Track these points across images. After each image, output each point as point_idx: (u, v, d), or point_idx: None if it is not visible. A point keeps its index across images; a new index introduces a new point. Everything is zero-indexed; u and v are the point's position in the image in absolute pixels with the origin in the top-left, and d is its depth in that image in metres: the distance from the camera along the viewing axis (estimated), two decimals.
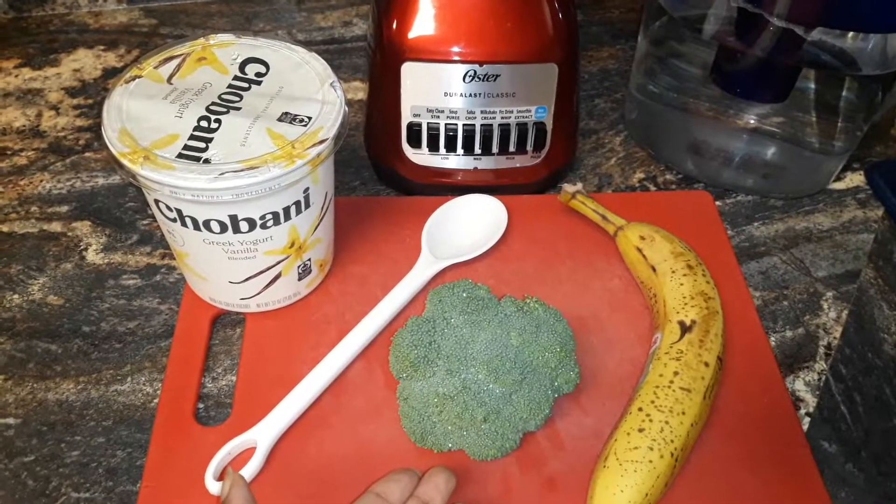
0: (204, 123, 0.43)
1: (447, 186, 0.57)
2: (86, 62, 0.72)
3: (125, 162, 0.41)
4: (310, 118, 0.44)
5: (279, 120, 0.44)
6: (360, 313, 0.49)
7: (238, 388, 0.47)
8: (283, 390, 0.46)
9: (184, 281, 0.52)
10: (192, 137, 0.42)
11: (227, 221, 0.43)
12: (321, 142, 0.42)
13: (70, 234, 0.57)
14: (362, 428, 0.45)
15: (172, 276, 0.54)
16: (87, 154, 0.63)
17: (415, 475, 0.39)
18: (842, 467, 0.46)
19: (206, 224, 0.43)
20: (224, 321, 0.51)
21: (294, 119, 0.44)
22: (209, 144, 0.42)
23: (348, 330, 0.48)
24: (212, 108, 0.44)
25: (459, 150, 0.55)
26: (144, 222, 0.58)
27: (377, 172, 0.61)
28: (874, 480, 0.46)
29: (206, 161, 0.41)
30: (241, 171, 0.40)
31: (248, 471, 0.42)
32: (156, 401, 0.47)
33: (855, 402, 0.49)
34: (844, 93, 0.61)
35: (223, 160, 0.41)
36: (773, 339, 0.52)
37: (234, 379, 0.48)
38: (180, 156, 0.41)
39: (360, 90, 0.70)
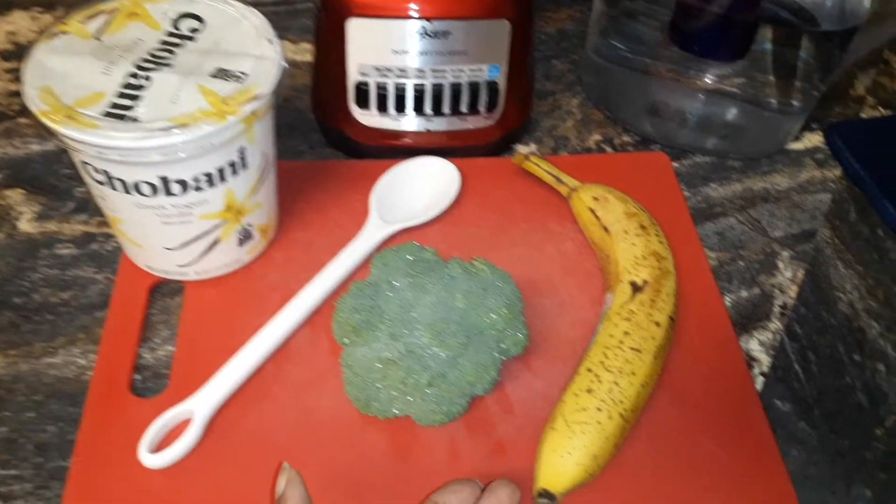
0: (132, 81, 0.41)
1: (398, 149, 0.55)
2: (21, 24, 0.68)
3: (46, 121, 0.39)
4: (245, 74, 0.42)
5: (213, 76, 0.41)
6: (305, 280, 0.48)
7: (176, 358, 0.45)
8: (223, 360, 0.44)
9: (121, 250, 0.50)
10: (119, 95, 0.40)
11: (158, 183, 0.41)
12: (256, 98, 0.40)
13: (2, 202, 0.54)
14: (306, 397, 0.44)
15: (110, 244, 0.52)
16: (20, 120, 0.60)
17: (477, 486, 0.36)
18: (795, 426, 0.46)
19: (136, 187, 0.41)
20: (163, 290, 0.49)
21: (228, 75, 0.42)
22: (137, 102, 0.40)
23: (292, 297, 0.47)
24: (142, 64, 0.42)
25: (409, 111, 0.54)
26: (81, 189, 0.55)
27: (325, 136, 0.59)
28: (826, 438, 0.45)
29: (134, 119, 0.39)
30: (170, 128, 0.38)
31: (184, 443, 0.41)
32: (90, 373, 0.45)
33: (809, 361, 0.49)
34: (802, 52, 0.60)
35: (152, 118, 0.39)
36: (728, 299, 0.51)
37: (172, 349, 0.46)
38: (106, 114, 0.39)
39: (308, 52, 0.67)
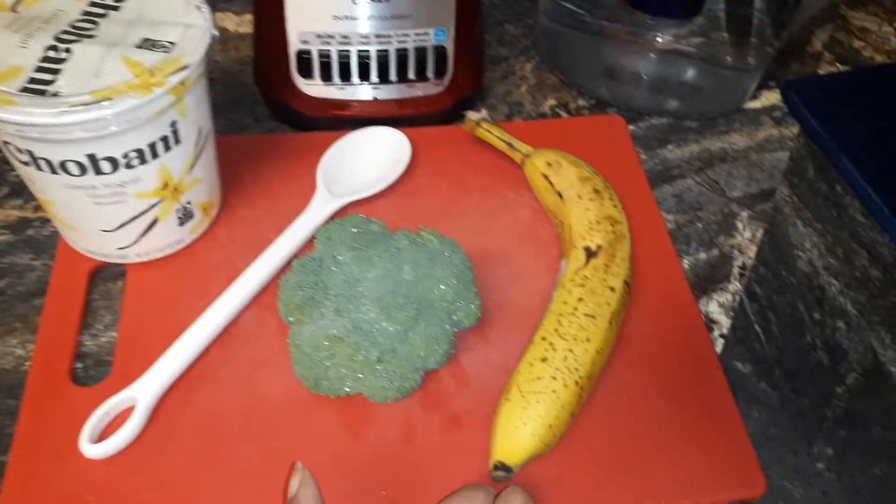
0: (52, 54, 0.39)
1: (346, 120, 0.54)
2: None
3: None
4: (172, 43, 0.40)
5: (138, 47, 0.39)
6: (251, 258, 0.46)
7: (119, 344, 0.43)
8: (167, 344, 0.42)
9: (59, 234, 0.48)
10: (38, 69, 0.38)
11: (86, 162, 0.39)
12: (183, 68, 0.38)
13: None
14: (254, 378, 0.42)
15: (47, 229, 0.50)
16: None
17: (490, 493, 0.35)
18: (755, 387, 0.45)
19: (63, 166, 0.39)
20: (104, 274, 0.47)
21: (154, 45, 0.39)
22: (58, 76, 0.38)
23: (238, 277, 0.45)
24: (62, 36, 0.40)
25: (355, 79, 0.52)
26: (15, 173, 0.53)
27: (270, 108, 0.57)
28: (787, 398, 0.45)
29: (54, 94, 0.37)
30: (93, 103, 0.36)
31: (128, 431, 0.39)
32: (28, 363, 0.43)
33: (769, 321, 0.48)
34: (755, 8, 0.59)
35: (73, 92, 0.37)
36: (686, 261, 0.50)
37: (115, 335, 0.44)
38: (24, 89, 0.37)
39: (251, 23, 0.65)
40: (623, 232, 0.45)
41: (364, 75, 0.52)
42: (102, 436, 0.39)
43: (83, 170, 0.39)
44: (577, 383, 0.39)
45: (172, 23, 0.41)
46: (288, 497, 0.32)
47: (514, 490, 0.35)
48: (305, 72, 0.51)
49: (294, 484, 0.32)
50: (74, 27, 0.40)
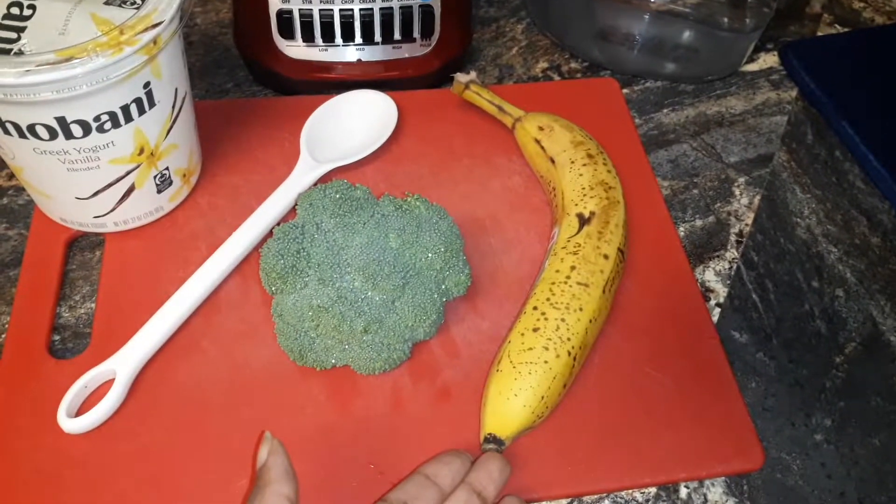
0: (15, 10, 0.37)
1: (330, 83, 0.52)
2: None
3: None
4: (142, 0, 0.37)
5: (106, 3, 0.37)
6: (233, 226, 0.44)
7: (97, 315, 0.42)
8: (147, 315, 0.41)
9: (34, 203, 0.46)
10: (0, 27, 0.36)
11: (56, 125, 0.37)
12: (155, 25, 0.36)
13: None
14: (237, 349, 0.41)
15: (21, 198, 0.48)
16: None
17: (467, 459, 0.35)
18: (752, 357, 0.44)
19: (32, 130, 0.37)
20: (81, 244, 0.46)
21: (124, 2, 0.37)
22: (21, 34, 0.36)
23: (219, 245, 0.43)
24: None
25: (338, 40, 0.50)
26: None
27: (251, 71, 0.55)
28: (785, 368, 0.44)
29: (18, 53, 0.35)
30: (59, 62, 0.34)
31: (107, 404, 0.38)
32: (3, 336, 0.42)
33: (767, 290, 0.47)
34: None
35: (37, 51, 0.35)
36: (682, 228, 0.49)
37: (93, 306, 0.43)
38: None
39: None
40: (617, 198, 0.43)
41: (347, 36, 0.50)
42: (81, 410, 0.38)
43: (53, 133, 0.37)
44: (569, 353, 0.37)
45: None
46: (257, 466, 0.31)
47: (491, 455, 0.35)
48: (287, 32, 0.49)
49: (263, 453, 0.31)
50: None
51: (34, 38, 0.35)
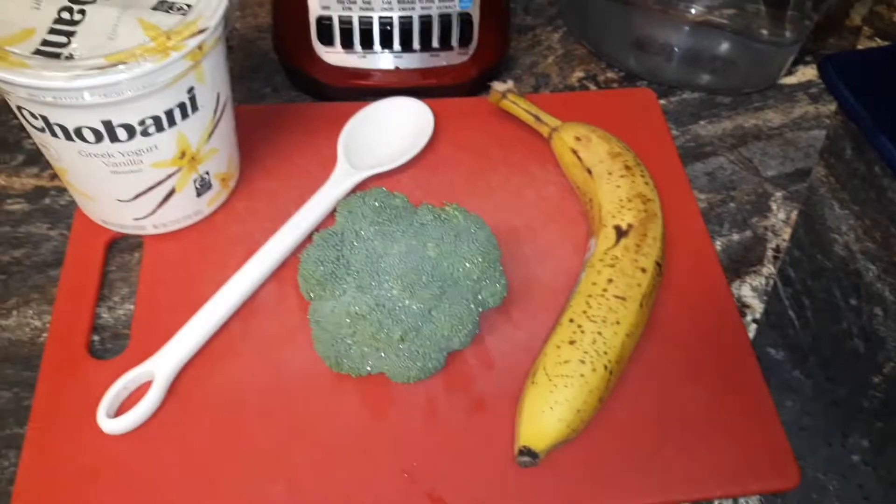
0: (65, 15, 0.37)
1: (367, 90, 0.52)
2: None
3: None
4: (189, 6, 0.38)
5: (154, 9, 0.38)
6: (271, 231, 0.45)
7: (136, 317, 0.42)
8: (185, 318, 0.41)
9: (76, 204, 0.47)
10: (51, 31, 0.36)
11: (102, 129, 0.37)
12: (201, 31, 0.37)
13: None
14: (274, 354, 0.41)
15: (63, 198, 0.49)
16: None
17: None
18: (788, 374, 0.44)
19: (79, 133, 0.38)
20: (121, 246, 0.46)
21: (171, 7, 0.38)
22: (71, 39, 0.36)
23: (257, 250, 0.44)
24: None
25: (377, 47, 0.50)
26: (31, 141, 0.52)
27: (289, 77, 0.55)
28: (821, 387, 0.43)
29: (68, 57, 0.35)
30: (108, 66, 0.35)
31: (146, 405, 0.38)
32: (45, 335, 0.42)
33: (804, 307, 0.47)
34: None
35: (87, 55, 0.35)
36: (718, 242, 0.49)
37: (132, 308, 0.43)
38: (37, 52, 0.35)
39: None
40: (655, 210, 0.43)
41: (386, 43, 0.50)
42: (120, 410, 0.39)
43: (99, 137, 0.38)
44: (605, 367, 0.37)
45: None
46: None
47: None
48: (326, 39, 0.50)
49: None
50: None
51: (84, 43, 0.36)
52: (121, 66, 0.35)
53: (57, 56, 0.35)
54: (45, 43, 0.36)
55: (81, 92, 0.35)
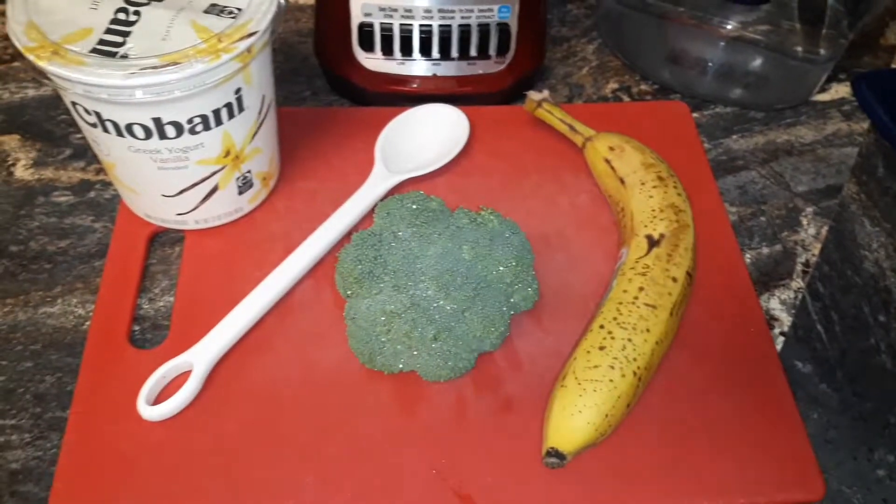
0: (121, 16, 0.39)
1: (405, 95, 0.53)
2: None
3: (31, 57, 0.37)
4: (239, 10, 0.39)
5: (206, 12, 0.39)
6: (308, 230, 0.46)
7: (176, 309, 0.44)
8: (224, 312, 0.42)
9: (119, 198, 0.48)
10: (107, 31, 0.38)
11: (152, 126, 0.39)
12: (251, 34, 0.38)
13: None
14: (309, 350, 0.42)
15: (108, 192, 0.50)
16: (14, 64, 0.58)
17: None
18: (815, 388, 0.44)
19: (129, 129, 0.39)
20: (162, 239, 0.48)
21: (222, 11, 0.39)
22: (127, 38, 0.38)
23: (295, 248, 0.45)
24: None
25: (416, 54, 0.51)
26: (78, 136, 0.54)
27: (329, 81, 0.56)
28: (848, 401, 0.43)
29: (123, 56, 0.37)
30: (161, 66, 0.36)
31: (184, 395, 0.39)
32: (88, 323, 0.44)
33: (832, 322, 0.47)
34: None
35: (141, 55, 0.37)
36: (748, 255, 0.49)
37: (172, 300, 0.45)
38: (94, 51, 0.37)
39: None
40: (687, 221, 0.44)
41: (425, 51, 0.51)
42: (159, 398, 0.40)
43: (148, 133, 0.39)
44: (634, 374, 0.38)
45: None
46: None
47: None
48: (366, 45, 0.51)
49: None
50: None
51: (138, 43, 0.37)
52: (173, 67, 0.36)
53: (113, 55, 0.37)
54: (102, 42, 0.37)
55: (134, 90, 0.36)
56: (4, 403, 0.41)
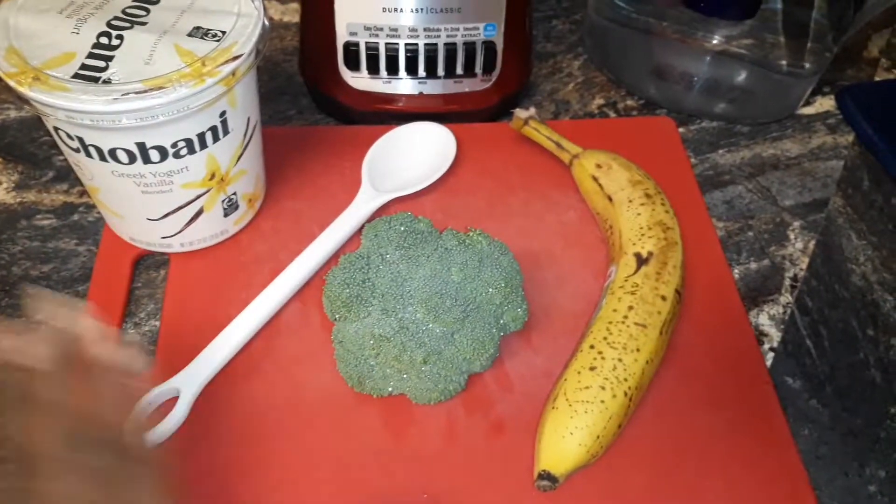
0: (104, 40, 0.38)
1: (391, 114, 0.53)
2: None
3: (12, 83, 0.36)
4: (223, 32, 0.39)
5: (189, 35, 0.39)
6: (295, 252, 0.45)
7: (161, 334, 0.43)
8: (210, 335, 0.42)
9: (104, 220, 0.48)
10: (90, 56, 0.38)
11: (136, 150, 0.39)
12: (235, 58, 0.38)
13: None
14: (297, 373, 0.42)
15: (91, 215, 0.50)
16: None
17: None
18: (805, 403, 0.44)
19: (113, 154, 0.39)
20: (147, 263, 0.47)
21: (206, 34, 0.39)
22: (109, 63, 0.37)
23: (282, 270, 0.45)
24: (114, 23, 0.39)
25: (402, 73, 0.51)
26: (60, 158, 0.53)
27: (315, 100, 0.56)
28: (838, 416, 0.43)
29: (106, 81, 0.37)
30: (145, 91, 0.36)
31: (171, 422, 0.39)
32: None
33: (821, 336, 0.47)
34: (814, 12, 0.57)
35: (124, 80, 0.37)
36: (736, 271, 0.49)
37: (157, 324, 0.44)
38: (76, 76, 0.37)
39: (297, 12, 0.64)
40: (675, 239, 0.44)
41: (411, 69, 0.51)
42: (144, 426, 0.39)
43: (132, 158, 0.39)
44: (625, 394, 0.38)
45: (224, 11, 0.40)
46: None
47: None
48: (352, 64, 0.51)
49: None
50: (126, 13, 0.40)
51: (122, 67, 0.37)
52: (157, 91, 0.36)
53: (96, 80, 0.36)
54: (85, 67, 0.37)
55: (119, 116, 0.36)
56: None
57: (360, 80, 0.51)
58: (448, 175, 0.51)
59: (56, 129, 0.39)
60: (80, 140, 0.38)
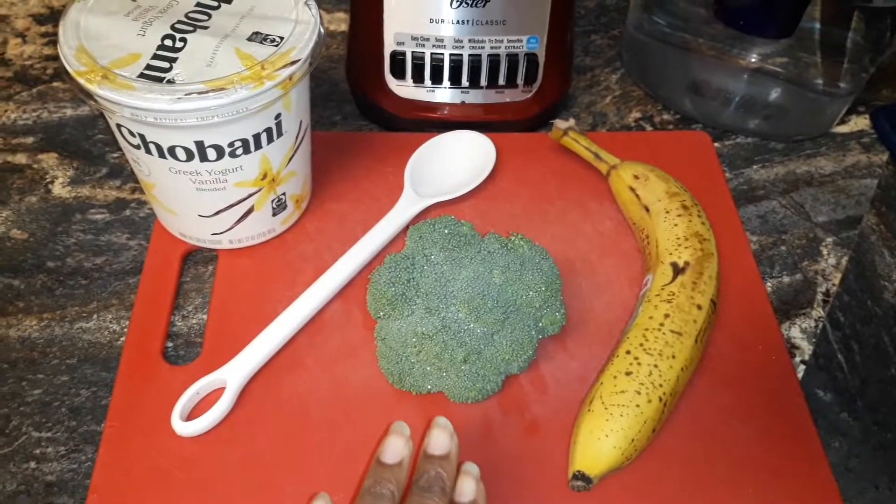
0: (168, 42, 0.40)
1: (433, 122, 0.54)
2: None
3: (82, 81, 0.38)
4: (281, 38, 0.41)
5: (249, 39, 0.41)
6: (339, 252, 0.47)
7: (209, 326, 0.45)
8: (255, 330, 0.43)
9: (154, 216, 0.49)
10: (155, 57, 0.39)
11: (194, 148, 0.40)
12: (293, 62, 0.39)
13: (35, 166, 0.54)
14: (339, 369, 0.43)
15: (143, 210, 0.52)
16: (54, 84, 0.60)
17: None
18: (836, 417, 0.44)
19: (172, 151, 0.40)
20: (196, 258, 0.49)
21: (265, 39, 0.41)
22: (173, 64, 0.39)
23: (326, 269, 0.46)
24: (177, 26, 0.41)
25: (446, 83, 0.52)
26: (114, 155, 0.55)
27: (359, 107, 0.58)
28: (869, 430, 0.44)
29: (170, 81, 0.38)
30: (207, 92, 0.38)
31: (218, 411, 0.40)
32: (122, 339, 0.45)
33: (852, 351, 0.47)
34: (851, 32, 0.58)
35: (187, 80, 0.38)
36: (769, 284, 0.50)
37: (205, 318, 0.46)
38: (142, 75, 0.38)
39: (343, 21, 0.66)
40: (711, 250, 0.45)
41: (455, 79, 0.52)
42: (192, 414, 0.41)
43: (190, 156, 0.41)
44: (660, 399, 0.39)
45: (282, 18, 0.42)
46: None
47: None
48: (398, 72, 0.52)
49: None
50: (189, 18, 0.42)
51: (185, 69, 0.39)
52: (219, 92, 0.38)
53: (160, 80, 0.38)
54: (150, 67, 0.39)
55: (181, 115, 0.38)
56: (41, 416, 0.42)
57: (404, 88, 0.53)
58: (487, 182, 0.52)
59: (119, 126, 0.41)
60: (142, 137, 0.40)
